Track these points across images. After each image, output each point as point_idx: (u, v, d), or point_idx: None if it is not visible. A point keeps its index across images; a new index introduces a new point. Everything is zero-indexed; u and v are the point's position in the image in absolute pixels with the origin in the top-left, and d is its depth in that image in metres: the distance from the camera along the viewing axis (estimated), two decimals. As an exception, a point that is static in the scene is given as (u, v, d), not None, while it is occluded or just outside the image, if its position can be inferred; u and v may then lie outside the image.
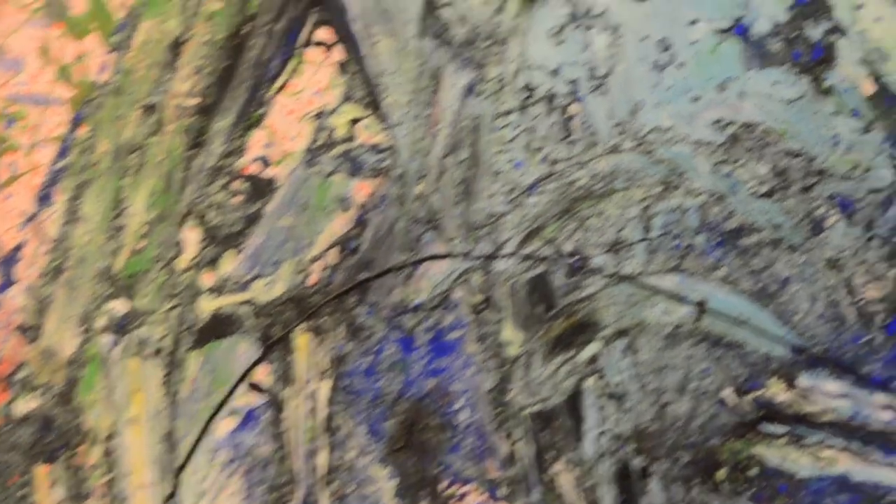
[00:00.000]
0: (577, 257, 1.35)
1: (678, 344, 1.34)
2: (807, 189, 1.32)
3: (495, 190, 1.34)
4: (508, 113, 1.33)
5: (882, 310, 1.32)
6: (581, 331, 1.36)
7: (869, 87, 1.32)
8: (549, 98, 1.35)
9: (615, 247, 1.36)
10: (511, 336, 1.33)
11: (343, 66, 1.37)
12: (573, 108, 1.34)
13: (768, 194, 1.33)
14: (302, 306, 1.36)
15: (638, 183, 1.35)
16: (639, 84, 1.32)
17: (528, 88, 1.34)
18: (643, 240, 1.34)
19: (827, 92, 1.32)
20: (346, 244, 1.36)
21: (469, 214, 1.35)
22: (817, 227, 1.30)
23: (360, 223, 1.35)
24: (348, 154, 1.36)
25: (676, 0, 1.34)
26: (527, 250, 1.35)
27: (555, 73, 1.34)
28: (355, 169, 1.35)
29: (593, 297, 1.34)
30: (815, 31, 1.33)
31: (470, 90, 1.35)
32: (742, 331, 1.33)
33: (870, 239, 1.32)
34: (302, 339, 1.36)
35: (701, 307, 1.34)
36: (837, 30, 1.33)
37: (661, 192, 1.34)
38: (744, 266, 1.34)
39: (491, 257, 1.34)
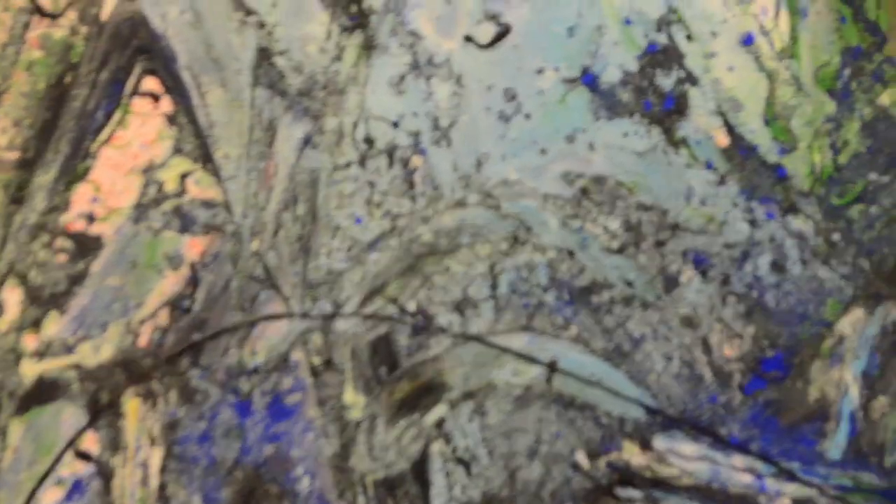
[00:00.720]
0: (421, 316, 1.28)
1: (528, 406, 1.26)
2: (660, 244, 1.26)
3: (334, 246, 1.26)
4: (347, 166, 1.25)
5: (739, 369, 1.21)
6: (426, 393, 1.27)
7: (723, 138, 1.25)
8: (390, 150, 1.26)
9: (461, 305, 1.27)
10: (353, 399, 1.25)
11: (172, 118, 1.21)
12: (415, 161, 1.26)
13: (620, 250, 1.26)
14: (131, 370, 1.24)
15: (484, 238, 1.27)
16: (484, 135, 1.24)
17: (368, 140, 1.26)
18: (490, 297, 1.27)
19: (679, 143, 1.25)
20: (177, 304, 1.23)
21: (307, 272, 1.27)
22: (671, 284, 1.24)
23: (193, 282, 1.23)
24: (179, 209, 1.23)
25: (522, 48, 1.25)
26: (368, 309, 1.27)
27: (396, 124, 1.25)
28: (186, 225, 1.23)
29: (439, 358, 1.26)
30: (666, 81, 1.26)
31: (307, 142, 1.26)
32: (595, 392, 1.25)
33: (725, 295, 1.26)
34: (132, 404, 1.24)
35: (551, 367, 1.27)
36: (689, 79, 1.24)
37: (508, 248, 1.27)
38: (596, 324, 1.27)
39: (331, 317, 1.27)
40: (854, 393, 1.22)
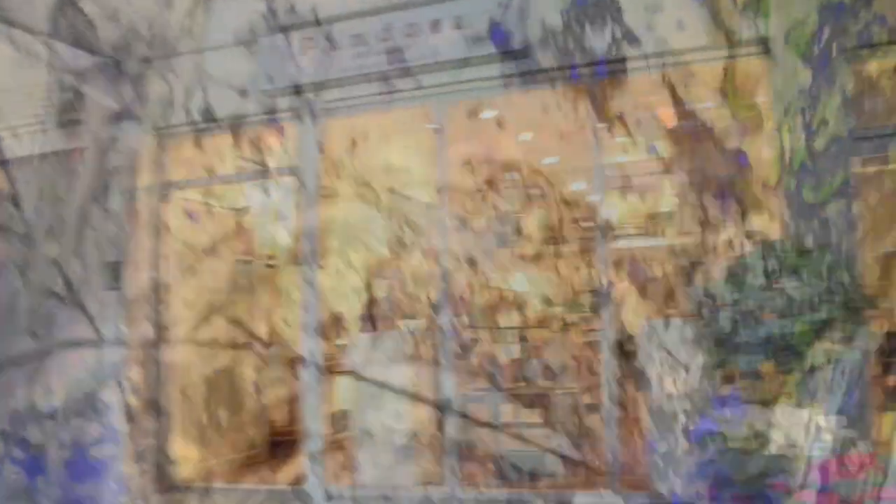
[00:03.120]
0: (274, 343, 1.00)
1: (413, 457, 1.01)
2: (586, 250, 1.00)
3: (160, 252, 1.00)
4: (178, 145, 0.97)
5: (684, 409, 1.01)
6: (282, 443, 1.02)
7: (669, 116, 1.00)
8: (236, 124, 1.00)
9: (327, 328, 1.02)
10: (183, 452, 0.99)
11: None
12: (269, 138, 0.99)
13: (535, 258, 1.01)
14: None
15: (362, 242, 1.01)
16: (362, 105, 0.94)
17: (207, 112, 0.99)
18: (367, 321, 1.01)
19: (614, 121, 0.99)
20: (-51, 328, 1.00)
21: (122, 286, 1.00)
22: (603, 300, 0.98)
23: (-31, 298, 1.00)
24: (-49, 203, 1.00)
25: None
26: (205, 335, 1.01)
27: (244, 90, 0.99)
28: (-40, 224, 0.99)
29: (298, 398, 0.99)
30: (598, 41, 1.00)
31: (124, 114, 0.99)
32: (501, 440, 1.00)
33: (668, 315, 1.00)
34: None
35: (441, 409, 1.01)
36: (628, 38, 1.00)
37: (391, 257, 1.01)
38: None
39: (155, 344, 1.00)
40: (827, 438, 0.94)
